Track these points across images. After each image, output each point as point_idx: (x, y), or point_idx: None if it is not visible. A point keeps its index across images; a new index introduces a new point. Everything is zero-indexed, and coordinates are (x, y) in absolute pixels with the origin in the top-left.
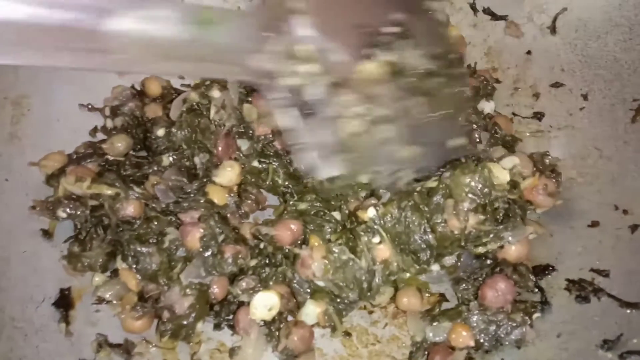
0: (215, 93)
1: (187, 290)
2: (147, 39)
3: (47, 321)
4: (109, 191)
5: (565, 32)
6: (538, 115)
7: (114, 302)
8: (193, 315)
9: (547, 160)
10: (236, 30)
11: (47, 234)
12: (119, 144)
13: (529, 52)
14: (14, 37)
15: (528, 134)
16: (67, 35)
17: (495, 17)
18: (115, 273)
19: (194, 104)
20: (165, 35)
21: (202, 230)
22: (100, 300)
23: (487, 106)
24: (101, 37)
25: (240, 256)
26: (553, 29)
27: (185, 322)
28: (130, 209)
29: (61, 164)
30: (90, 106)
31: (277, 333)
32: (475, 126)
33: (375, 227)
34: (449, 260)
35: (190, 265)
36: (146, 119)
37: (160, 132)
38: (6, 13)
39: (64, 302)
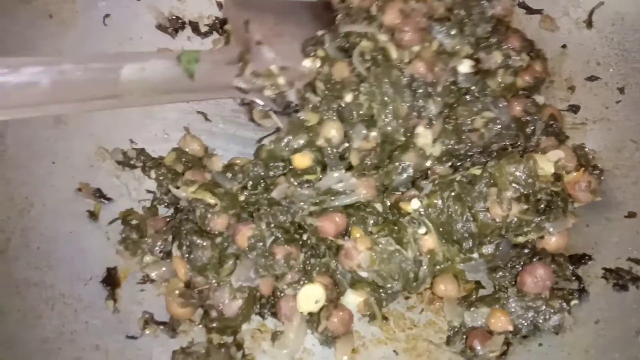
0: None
1: (237, 293)
2: (150, 82)
3: (95, 298)
4: (211, 200)
5: (602, 26)
6: (573, 108)
7: (160, 282)
8: (240, 317)
9: (590, 156)
10: (217, 63)
11: (92, 215)
12: None
13: (564, 46)
14: (46, 96)
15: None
16: (90, 88)
17: (530, 10)
18: (166, 255)
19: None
20: (164, 77)
21: (251, 230)
22: (146, 280)
23: (538, 98)
24: (115, 86)
25: (292, 257)
26: (589, 23)
27: (232, 324)
28: (219, 223)
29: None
30: None
31: (317, 316)
32: (530, 117)
33: (421, 218)
34: (488, 248)
35: (240, 266)
36: None
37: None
38: (38, 77)
39: (111, 280)
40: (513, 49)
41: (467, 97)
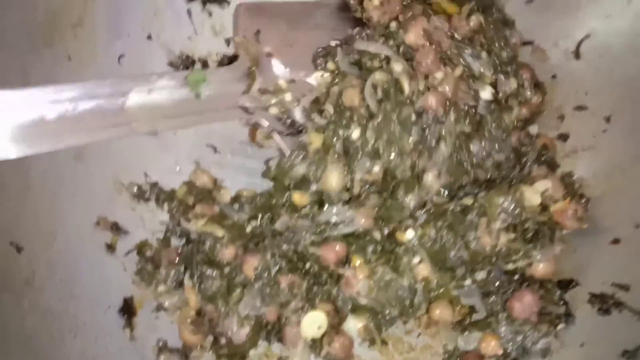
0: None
1: (245, 321)
2: (157, 105)
3: (113, 326)
4: (220, 233)
5: (589, 57)
6: (563, 137)
7: (173, 311)
8: (248, 343)
9: (578, 184)
10: (224, 82)
11: (110, 247)
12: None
13: (554, 76)
14: (55, 128)
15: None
16: (97, 117)
17: (522, 42)
18: (178, 285)
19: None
20: (170, 100)
21: (257, 261)
22: (160, 308)
23: (532, 129)
24: (121, 113)
25: (295, 285)
26: (577, 54)
27: (241, 350)
28: (227, 254)
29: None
30: None
31: (320, 341)
32: (524, 148)
33: (415, 247)
34: (480, 275)
35: (247, 295)
36: None
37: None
38: (46, 110)
39: (127, 309)
40: (526, 79)
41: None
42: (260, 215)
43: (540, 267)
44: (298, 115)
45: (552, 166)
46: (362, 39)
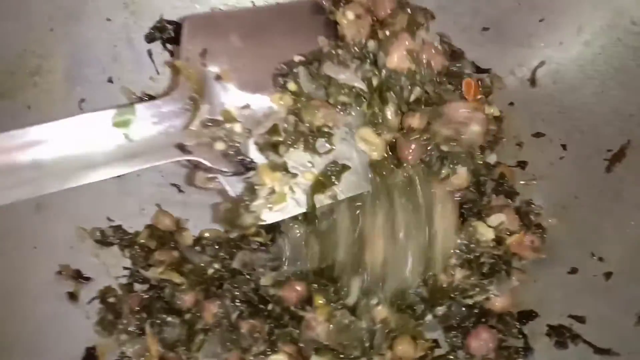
0: None
1: None
2: (75, 157)
3: None
4: (178, 280)
5: (544, 85)
6: (521, 164)
7: (136, 359)
8: None
9: (532, 216)
10: (159, 117)
11: (72, 296)
12: None
13: (511, 103)
14: None
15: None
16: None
17: (479, 70)
18: (142, 332)
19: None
20: (96, 144)
21: (216, 307)
22: (123, 357)
23: (490, 158)
24: (30, 169)
25: (256, 330)
26: (533, 82)
27: None
28: (186, 301)
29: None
30: None
31: None
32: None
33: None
34: (441, 310)
35: (207, 342)
36: None
37: None
38: None
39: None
40: None
41: None
42: (221, 256)
43: (498, 301)
44: (250, 149)
45: (510, 195)
46: (331, 61)
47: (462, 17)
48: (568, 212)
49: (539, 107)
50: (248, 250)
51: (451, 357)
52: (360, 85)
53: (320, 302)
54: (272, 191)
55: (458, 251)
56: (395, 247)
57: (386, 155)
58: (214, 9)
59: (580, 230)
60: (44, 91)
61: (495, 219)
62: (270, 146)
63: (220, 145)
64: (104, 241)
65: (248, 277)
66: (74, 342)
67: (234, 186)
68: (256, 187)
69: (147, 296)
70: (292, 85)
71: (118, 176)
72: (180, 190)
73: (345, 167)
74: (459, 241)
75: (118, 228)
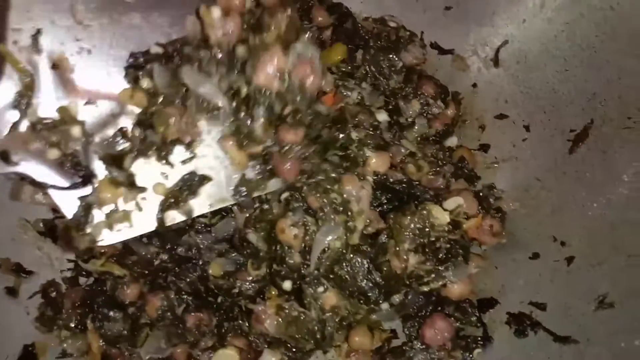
0: None
1: None
2: None
3: None
4: (118, 272)
5: (508, 65)
6: (484, 147)
7: (78, 356)
8: None
9: (492, 199)
10: None
11: (12, 291)
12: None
13: (474, 85)
14: None
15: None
16: None
17: (442, 51)
18: (82, 327)
19: None
20: None
21: (160, 300)
22: (65, 354)
23: (450, 141)
24: None
25: (203, 323)
26: (496, 62)
27: None
28: (129, 294)
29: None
30: None
31: None
32: (441, 162)
33: (317, 276)
34: (397, 298)
35: (150, 337)
36: None
37: None
38: None
39: (28, 358)
40: (429, 96)
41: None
42: (167, 246)
43: (455, 288)
44: (91, 161)
45: (470, 179)
46: (189, 66)
47: None
48: (530, 195)
49: (502, 87)
50: (193, 231)
51: (406, 348)
52: (223, 102)
53: (273, 293)
54: (115, 209)
55: (412, 235)
56: None
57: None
58: None
59: (542, 213)
60: None
61: (452, 202)
62: (112, 158)
63: (53, 154)
64: (47, 233)
65: (194, 262)
66: (11, 340)
67: (68, 203)
68: (94, 205)
69: (89, 290)
70: (146, 82)
71: None
72: None
73: (205, 179)
74: (412, 225)
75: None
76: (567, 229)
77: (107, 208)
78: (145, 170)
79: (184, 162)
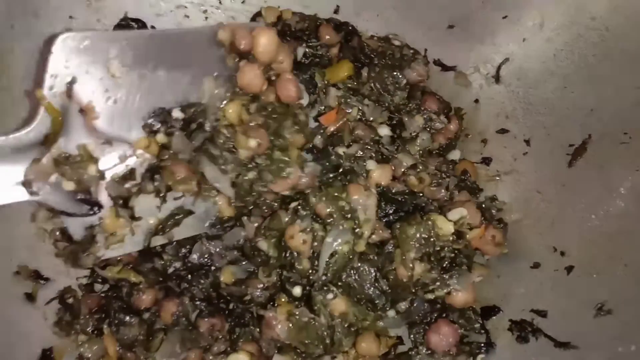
0: None
1: None
2: None
3: None
4: (135, 279)
5: (508, 81)
6: (486, 161)
7: None
8: None
9: (494, 210)
10: (5, 154)
11: (30, 297)
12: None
13: (476, 101)
14: None
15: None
16: None
17: (445, 67)
18: (99, 332)
19: None
20: None
21: (175, 306)
22: (82, 358)
23: (453, 154)
24: None
25: (216, 328)
26: (497, 78)
27: None
28: (144, 300)
29: None
30: None
31: None
32: (444, 175)
33: (328, 284)
34: (403, 305)
35: (165, 342)
36: None
37: None
38: None
39: None
40: (432, 111)
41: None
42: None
43: (459, 296)
44: (101, 194)
45: (473, 191)
46: (213, 165)
47: (428, 15)
48: (531, 207)
49: (503, 103)
50: (204, 238)
51: (412, 353)
52: (231, 193)
53: (283, 300)
54: (113, 234)
55: (417, 245)
56: None
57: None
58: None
59: (542, 224)
60: None
61: (456, 213)
62: (121, 198)
63: (69, 185)
64: (64, 241)
65: (207, 268)
66: (30, 343)
67: (77, 228)
68: (97, 233)
69: (105, 296)
70: (161, 137)
71: None
72: None
73: (189, 213)
74: (418, 235)
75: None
76: (567, 239)
77: (107, 233)
78: (143, 202)
79: (176, 198)
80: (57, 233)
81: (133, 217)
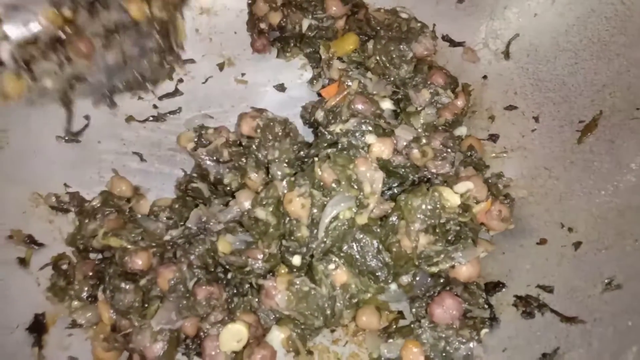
0: None
1: (158, 336)
2: None
3: (21, 346)
4: (114, 244)
5: (518, 57)
6: (493, 137)
7: (88, 326)
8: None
9: (501, 186)
10: None
11: (23, 262)
12: None
13: (484, 77)
14: None
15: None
16: None
17: (453, 43)
18: (94, 299)
19: None
20: None
21: (172, 273)
22: (75, 325)
23: (459, 130)
24: None
25: (213, 297)
26: (507, 54)
27: None
28: (137, 262)
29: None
30: (67, 138)
31: (241, 355)
32: (449, 150)
33: (329, 253)
34: (406, 278)
35: (161, 309)
36: None
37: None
38: None
39: (38, 326)
40: (438, 86)
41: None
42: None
43: (464, 270)
44: (3, 53)
45: (479, 167)
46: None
47: None
48: (538, 184)
49: (512, 79)
50: (203, 205)
51: (414, 326)
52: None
53: (283, 271)
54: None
55: (422, 216)
56: None
57: None
58: None
59: (549, 201)
60: None
61: (462, 186)
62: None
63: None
64: (59, 207)
65: (204, 236)
66: (21, 309)
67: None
68: None
69: (100, 262)
70: (66, 12)
71: (76, 143)
72: (142, 159)
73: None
74: (423, 207)
75: (75, 194)
76: (575, 215)
77: None
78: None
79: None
80: (53, 199)
81: (33, 79)
